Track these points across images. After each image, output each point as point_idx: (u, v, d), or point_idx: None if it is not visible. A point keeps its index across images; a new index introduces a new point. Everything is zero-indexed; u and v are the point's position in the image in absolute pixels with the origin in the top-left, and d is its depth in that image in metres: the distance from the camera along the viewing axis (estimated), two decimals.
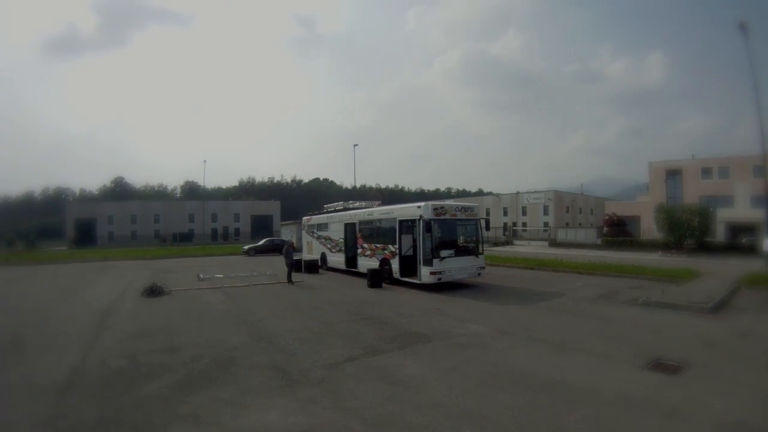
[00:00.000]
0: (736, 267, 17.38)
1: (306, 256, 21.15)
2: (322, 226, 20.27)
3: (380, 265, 14.64)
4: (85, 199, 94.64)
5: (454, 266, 12.95)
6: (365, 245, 16.05)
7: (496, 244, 40.88)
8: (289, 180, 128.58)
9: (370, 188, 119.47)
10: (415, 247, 13.33)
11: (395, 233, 14.08)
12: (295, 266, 16.00)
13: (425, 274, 12.68)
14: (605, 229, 41.18)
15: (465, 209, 14.00)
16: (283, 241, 36.20)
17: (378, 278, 13.94)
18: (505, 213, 63.38)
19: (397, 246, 13.97)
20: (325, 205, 22.15)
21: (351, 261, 16.96)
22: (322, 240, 20.08)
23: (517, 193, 63.31)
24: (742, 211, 34.32)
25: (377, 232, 15.60)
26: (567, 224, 54.85)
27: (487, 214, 58.56)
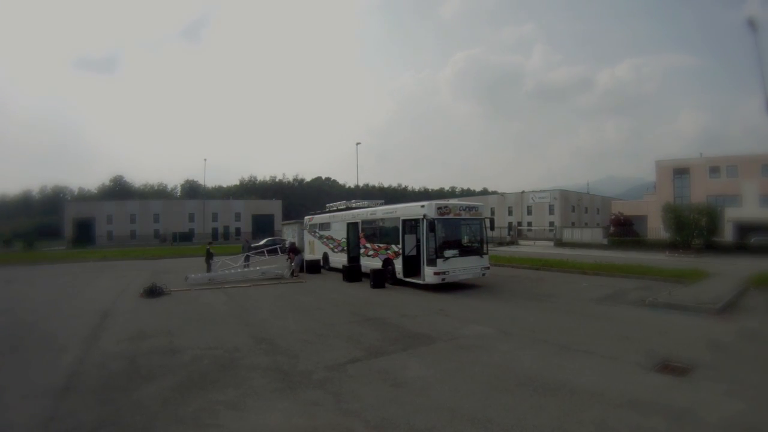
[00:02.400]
0: (744, 267, 17.17)
1: (308, 256, 21.07)
2: (325, 226, 20.18)
3: (383, 265, 14.55)
4: (84, 198, 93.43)
5: (458, 266, 12.85)
6: (368, 245, 15.97)
7: (500, 243, 40.72)
8: (291, 179, 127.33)
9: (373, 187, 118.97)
10: (418, 246, 13.25)
11: (398, 233, 13.98)
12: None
13: (429, 274, 12.58)
14: (611, 228, 40.96)
15: (469, 208, 13.89)
16: (283, 240, 36.13)
17: (381, 278, 13.85)
18: (510, 212, 63.02)
19: (400, 246, 13.88)
20: (328, 205, 22.03)
21: (353, 261, 16.87)
22: (325, 240, 20.00)
23: (522, 192, 62.93)
24: (751, 210, 33.96)
25: (380, 232, 15.51)
26: (573, 224, 54.44)
27: (492, 213, 58.37)
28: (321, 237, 20.41)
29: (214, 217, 71.48)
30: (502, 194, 66.29)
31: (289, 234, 43.40)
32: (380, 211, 15.90)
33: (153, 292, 12.87)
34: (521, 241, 44.41)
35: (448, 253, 12.62)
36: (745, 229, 33.04)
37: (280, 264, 18.32)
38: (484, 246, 14.04)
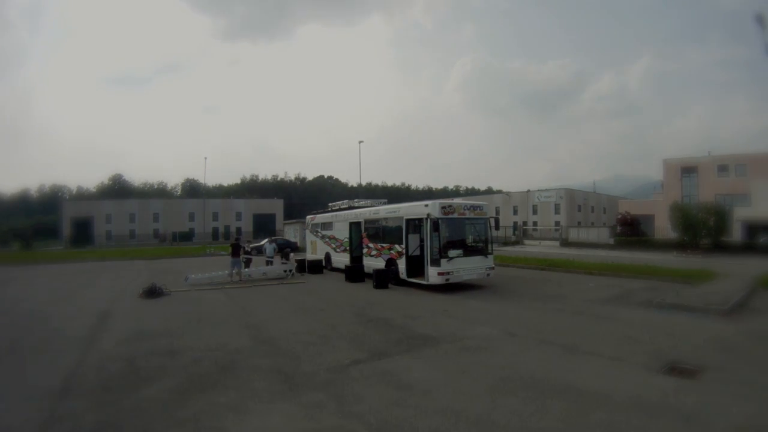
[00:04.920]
0: (753, 267, 16.91)
1: (310, 255, 21.01)
2: (327, 225, 20.10)
3: (386, 266, 14.46)
4: (83, 197, 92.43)
5: (462, 267, 12.74)
6: (371, 245, 15.90)
7: (505, 243, 40.53)
8: (292, 177, 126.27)
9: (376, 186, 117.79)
10: (422, 246, 13.14)
11: (402, 233, 13.88)
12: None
13: (433, 274, 12.48)
14: (618, 228, 40.57)
15: (474, 208, 13.78)
16: (286, 240, 35.77)
17: (384, 279, 13.77)
18: (515, 212, 62.73)
19: (403, 246, 13.79)
20: (330, 204, 22.01)
21: (356, 261, 16.79)
22: (327, 239, 19.93)
23: (528, 191, 62.62)
24: (760, 209, 33.38)
25: (383, 232, 15.42)
26: (579, 223, 54.08)
27: (497, 212, 58.01)
28: (323, 237, 20.35)
29: (215, 217, 71.06)
30: (507, 193, 65.97)
31: (290, 234, 43.33)
32: (383, 210, 15.82)
33: (152, 292, 12.78)
34: (526, 241, 44.17)
35: (452, 253, 12.52)
36: (754, 228, 32.57)
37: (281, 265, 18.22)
38: (489, 246, 13.91)
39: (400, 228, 14.08)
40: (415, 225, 13.55)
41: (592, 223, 56.98)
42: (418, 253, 13.36)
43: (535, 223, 57.87)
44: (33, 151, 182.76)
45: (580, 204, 60.47)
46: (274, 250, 19.77)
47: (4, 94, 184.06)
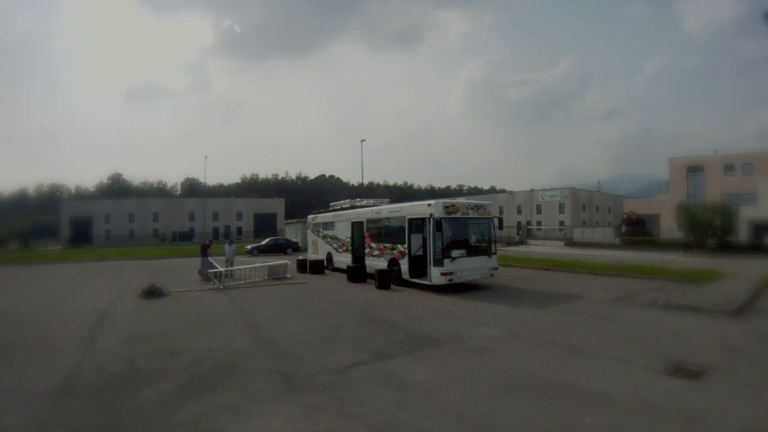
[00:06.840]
0: (760, 267, 16.77)
1: (311, 255, 20.93)
2: (328, 225, 20.06)
3: (389, 266, 14.43)
4: (81, 196, 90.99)
5: (465, 267, 12.68)
6: (373, 245, 15.85)
7: (509, 243, 40.35)
8: (294, 177, 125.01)
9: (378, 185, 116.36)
10: (425, 246, 13.09)
11: (404, 232, 13.83)
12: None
13: (435, 274, 12.43)
14: (623, 228, 40.44)
15: (477, 207, 13.71)
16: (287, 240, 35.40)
17: (386, 279, 13.73)
18: (519, 211, 62.50)
19: (406, 246, 13.74)
20: (332, 203, 21.95)
21: (358, 261, 16.74)
22: (328, 239, 19.90)
23: (532, 190, 62.37)
24: (767, 209, 33.11)
25: (386, 232, 15.37)
26: (584, 223, 53.83)
27: (501, 212, 57.80)
28: (325, 236, 20.31)
29: (215, 216, 70.55)
30: (511, 193, 65.78)
31: (291, 233, 43.15)
32: (385, 210, 15.76)
33: (152, 293, 12.73)
34: (530, 241, 43.98)
35: (455, 253, 12.45)
36: (760, 228, 32.28)
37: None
38: (493, 246, 13.84)
39: (402, 228, 14.03)
40: (417, 225, 13.49)
41: (597, 223, 56.71)
42: (420, 253, 13.31)
43: (539, 223, 57.60)
44: (32, 150, 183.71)
45: (584, 203, 60.16)
46: (234, 252, 19.45)
47: (4, 93, 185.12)
